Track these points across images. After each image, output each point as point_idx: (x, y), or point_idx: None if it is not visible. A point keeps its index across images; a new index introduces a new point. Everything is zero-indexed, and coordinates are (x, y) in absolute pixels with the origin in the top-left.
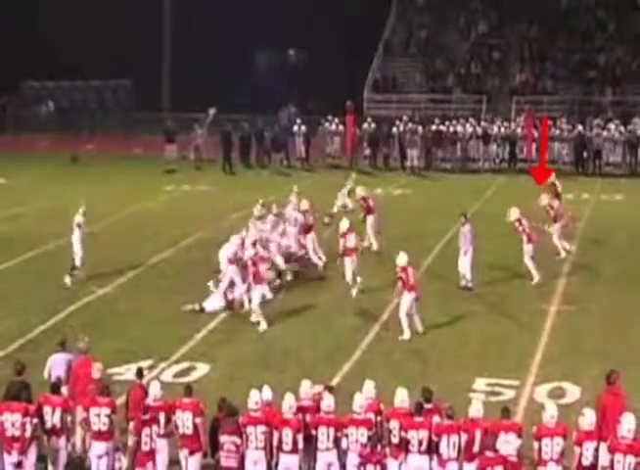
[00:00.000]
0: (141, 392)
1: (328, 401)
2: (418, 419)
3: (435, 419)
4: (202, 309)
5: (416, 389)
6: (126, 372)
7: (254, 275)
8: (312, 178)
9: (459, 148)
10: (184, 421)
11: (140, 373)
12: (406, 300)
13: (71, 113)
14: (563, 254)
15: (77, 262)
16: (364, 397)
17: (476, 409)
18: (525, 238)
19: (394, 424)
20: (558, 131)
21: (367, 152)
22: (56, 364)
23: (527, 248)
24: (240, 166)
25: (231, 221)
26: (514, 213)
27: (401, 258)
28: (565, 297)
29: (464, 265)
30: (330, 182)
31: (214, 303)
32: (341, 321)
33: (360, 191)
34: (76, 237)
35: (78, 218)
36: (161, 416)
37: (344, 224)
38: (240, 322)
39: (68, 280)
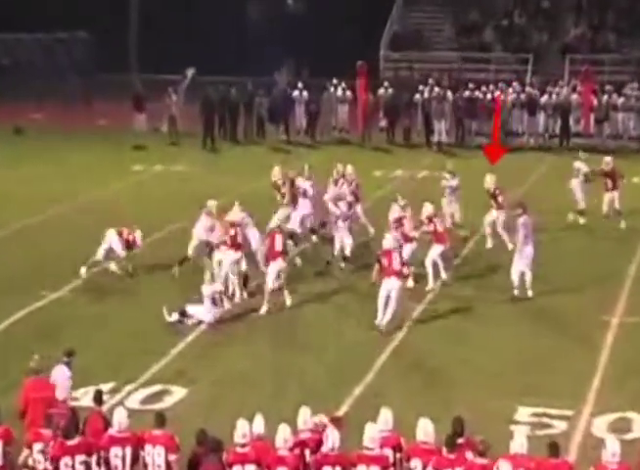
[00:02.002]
0: (101, 421)
1: (333, 437)
2: (449, 456)
3: (468, 456)
4: (182, 314)
5: (443, 419)
6: (83, 397)
7: (270, 250)
8: (317, 156)
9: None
10: (154, 458)
11: (99, 398)
12: (434, 251)
13: (13, 73)
14: (509, 245)
15: None
16: (379, 428)
17: (518, 444)
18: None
19: (416, 463)
20: (623, 99)
21: (383, 124)
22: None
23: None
24: (225, 142)
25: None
26: (490, 182)
27: (427, 208)
28: (629, 306)
29: (518, 269)
30: (339, 161)
31: (201, 311)
32: (352, 333)
33: (349, 172)
34: None
35: None
36: (127, 452)
37: (428, 207)
38: (226, 333)
39: None
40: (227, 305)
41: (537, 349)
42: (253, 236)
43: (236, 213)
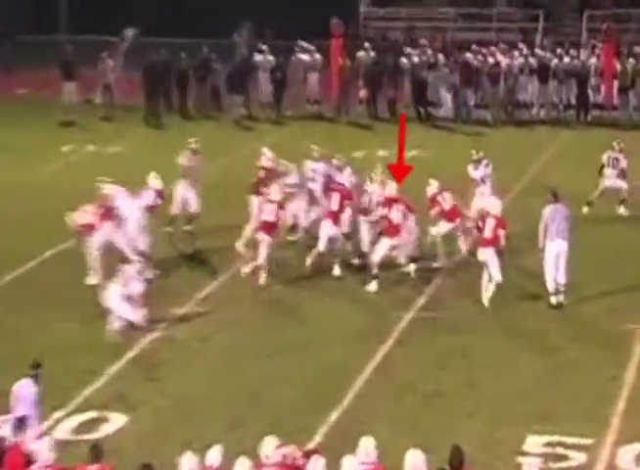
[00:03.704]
0: (21, 456)
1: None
2: None
3: None
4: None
5: (438, 450)
6: (3, 425)
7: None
8: (284, 133)
9: (503, 88)
10: None
11: (20, 426)
12: (442, 228)
13: None
14: (438, 263)
15: None
16: (358, 460)
17: None
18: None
19: None
20: None
21: (363, 94)
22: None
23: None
24: (173, 117)
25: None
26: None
27: (431, 186)
28: None
29: (550, 271)
30: (310, 139)
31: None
32: (328, 347)
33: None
34: None
35: None
36: None
37: (433, 185)
38: (175, 346)
39: None
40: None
41: (551, 365)
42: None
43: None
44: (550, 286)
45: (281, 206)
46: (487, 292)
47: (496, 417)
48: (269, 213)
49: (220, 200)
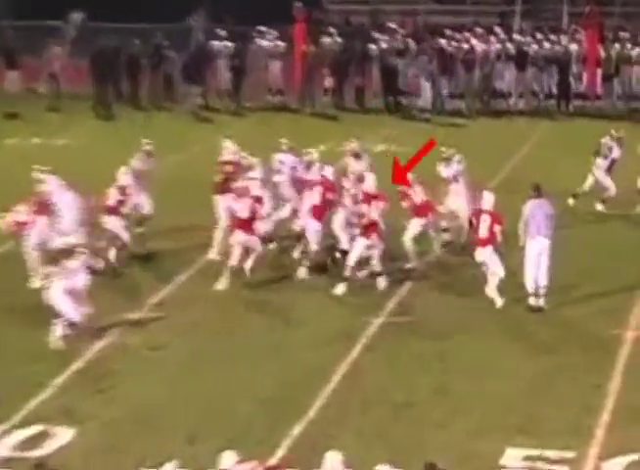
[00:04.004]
0: None
1: None
2: None
3: None
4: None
5: (411, 464)
6: None
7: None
8: (243, 125)
9: (478, 76)
10: None
11: None
12: (414, 228)
13: None
14: (411, 264)
15: None
16: None
17: None
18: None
19: None
20: (638, 49)
21: (329, 83)
22: None
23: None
24: (123, 107)
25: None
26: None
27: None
28: None
29: (530, 271)
30: (272, 132)
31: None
32: (296, 354)
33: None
34: None
35: None
36: None
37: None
38: (128, 351)
39: None
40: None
41: (532, 373)
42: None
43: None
44: (530, 286)
45: (258, 200)
46: (493, 291)
47: (472, 428)
48: (243, 210)
49: (176, 197)
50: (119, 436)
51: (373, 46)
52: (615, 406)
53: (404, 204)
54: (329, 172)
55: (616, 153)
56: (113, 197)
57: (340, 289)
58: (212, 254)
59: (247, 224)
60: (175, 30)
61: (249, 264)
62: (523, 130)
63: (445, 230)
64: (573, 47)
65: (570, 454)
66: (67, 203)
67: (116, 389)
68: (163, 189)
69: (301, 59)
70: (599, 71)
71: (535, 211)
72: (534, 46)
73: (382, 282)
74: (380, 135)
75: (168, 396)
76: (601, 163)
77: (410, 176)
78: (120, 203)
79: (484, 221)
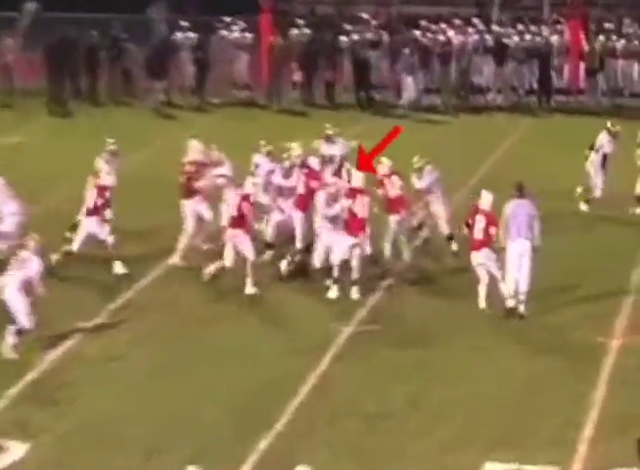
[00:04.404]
0: None
1: None
2: None
3: None
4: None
5: None
6: None
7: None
8: (208, 122)
9: (454, 70)
10: None
11: None
12: (390, 226)
13: None
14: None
15: None
16: None
17: None
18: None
19: None
20: (623, 41)
21: (297, 77)
22: None
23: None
24: (80, 103)
25: (60, 199)
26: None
27: (382, 166)
28: (633, 324)
29: (510, 273)
30: (238, 129)
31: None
32: (262, 364)
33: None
34: None
35: None
36: None
37: (384, 164)
38: (85, 361)
39: None
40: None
41: (511, 383)
42: None
43: None
44: (510, 290)
45: (245, 198)
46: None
47: (449, 441)
48: (234, 208)
49: (137, 198)
50: (75, 450)
51: (344, 38)
52: (598, 419)
53: (379, 192)
54: (314, 163)
55: (607, 148)
56: (92, 198)
57: (333, 293)
58: (175, 258)
59: (236, 222)
60: (134, 21)
61: (248, 280)
62: (502, 127)
63: (420, 227)
64: (555, 39)
65: (552, 469)
66: (8, 206)
67: (73, 400)
68: (124, 189)
69: (268, 51)
70: (582, 65)
71: (517, 212)
72: (515, 38)
73: (355, 292)
74: (351, 132)
75: (127, 407)
76: (592, 157)
77: (388, 165)
78: (103, 205)
79: (479, 222)
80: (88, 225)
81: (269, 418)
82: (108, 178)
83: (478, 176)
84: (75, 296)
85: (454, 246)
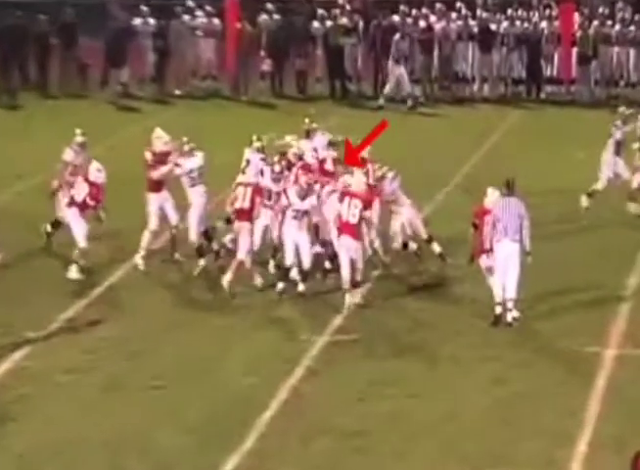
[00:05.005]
0: None
1: None
2: None
3: None
4: None
5: None
6: None
7: None
8: (170, 114)
9: (437, 58)
10: None
11: None
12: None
13: None
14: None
15: None
16: None
17: None
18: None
19: None
20: (617, 27)
21: (266, 67)
22: None
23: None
24: (30, 93)
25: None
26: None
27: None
28: (628, 334)
29: (498, 277)
30: (201, 123)
31: None
32: (231, 377)
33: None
34: None
35: None
36: None
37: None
38: (35, 376)
39: None
40: None
41: (498, 396)
42: None
43: None
44: (497, 296)
45: (257, 190)
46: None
47: (431, 460)
48: (242, 199)
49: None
50: (38, 465)
51: (316, 24)
52: (590, 436)
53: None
54: (308, 156)
55: (618, 135)
56: (82, 191)
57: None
58: (138, 259)
59: (245, 214)
60: (89, 5)
61: (256, 279)
62: (488, 119)
63: (405, 246)
64: (545, 24)
65: None
66: None
67: (21, 419)
68: None
69: (235, 39)
70: (574, 52)
71: (505, 210)
72: (504, 24)
73: (347, 299)
74: (324, 126)
75: (84, 426)
76: (607, 146)
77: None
78: (94, 206)
79: (487, 224)
80: (70, 216)
81: (237, 436)
82: (99, 175)
83: (462, 173)
84: (22, 305)
85: (437, 247)
